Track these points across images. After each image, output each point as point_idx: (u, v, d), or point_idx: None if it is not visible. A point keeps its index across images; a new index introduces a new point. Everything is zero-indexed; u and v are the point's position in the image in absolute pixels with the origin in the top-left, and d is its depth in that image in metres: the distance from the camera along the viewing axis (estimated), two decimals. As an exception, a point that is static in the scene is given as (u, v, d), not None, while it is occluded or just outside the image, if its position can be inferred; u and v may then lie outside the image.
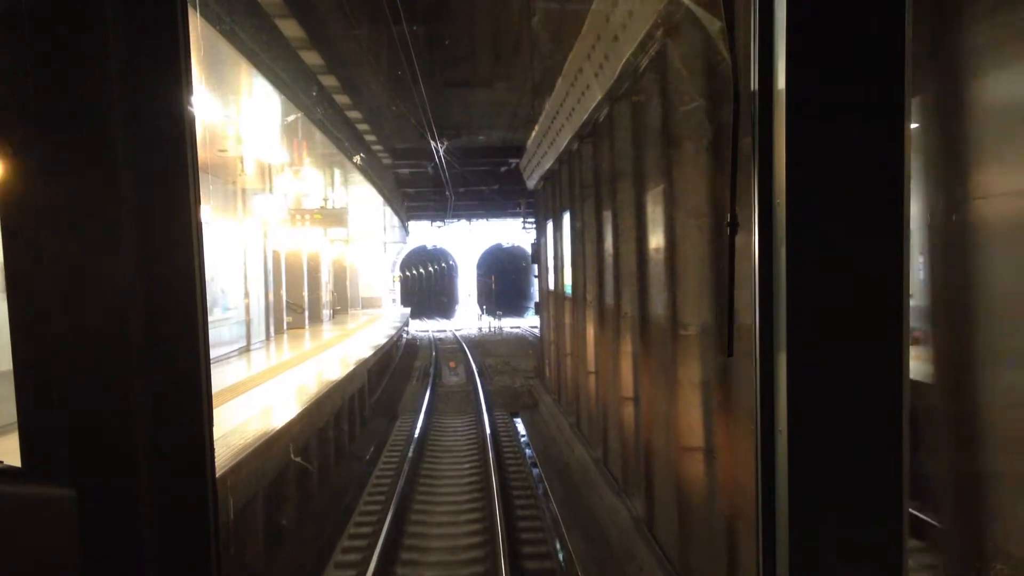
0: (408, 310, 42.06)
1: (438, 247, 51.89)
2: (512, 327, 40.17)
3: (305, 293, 24.17)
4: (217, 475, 1.45)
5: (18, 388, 1.28)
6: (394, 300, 46.30)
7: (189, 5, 1.38)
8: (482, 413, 15.21)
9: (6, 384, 1.34)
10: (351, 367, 13.22)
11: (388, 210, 27.32)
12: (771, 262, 1.42)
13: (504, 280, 51.62)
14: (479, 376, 20.98)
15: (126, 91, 1.30)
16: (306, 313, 23.85)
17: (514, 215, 39.35)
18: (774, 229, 1.41)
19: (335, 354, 15.74)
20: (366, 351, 16.21)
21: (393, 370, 21.45)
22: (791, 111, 1.36)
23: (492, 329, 38.16)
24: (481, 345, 30.67)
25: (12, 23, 1.26)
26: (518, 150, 18.11)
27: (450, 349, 29.89)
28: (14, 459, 1.30)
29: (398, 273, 50.26)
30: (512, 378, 20.71)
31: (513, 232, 50.41)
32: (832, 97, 1.36)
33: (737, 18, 1.62)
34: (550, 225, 15.59)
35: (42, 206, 1.27)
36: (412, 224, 47.75)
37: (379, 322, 29.13)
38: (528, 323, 42.89)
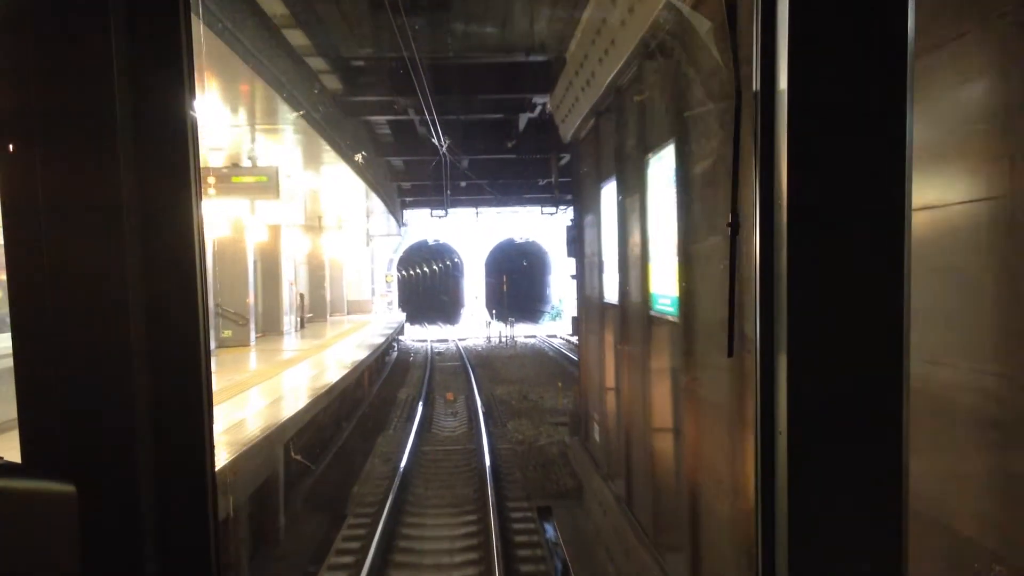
0: (403, 316, 35.68)
1: (440, 242, 45.32)
2: (527, 336, 33.71)
3: (252, 298, 17.80)
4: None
5: (18, 384, 1.29)
6: (390, 304, 39.91)
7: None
8: (490, 513, 8.72)
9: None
10: (251, 443, 6.80)
11: (371, 193, 20.83)
12: (772, 262, 1.42)
13: (516, 281, 44.97)
14: (485, 418, 14.54)
15: (128, 90, 1.31)
16: (251, 325, 17.46)
17: (532, 201, 32.81)
18: (775, 229, 1.40)
19: (246, 407, 9.27)
20: (298, 400, 9.74)
21: (364, 411, 14.99)
22: (793, 112, 1.35)
23: (503, 340, 31.64)
24: (489, 363, 24.18)
25: (13, 22, 1.27)
26: (545, 75, 11.56)
27: (450, 368, 23.42)
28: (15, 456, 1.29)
29: (395, 272, 43.82)
30: (534, 424, 14.21)
31: (527, 225, 43.98)
32: (834, 97, 1.35)
33: (739, 17, 1.60)
34: (608, 189, 9.09)
35: (43, 206, 1.28)
36: (410, 216, 41.56)
37: (361, 333, 22.70)
38: (544, 331, 36.56)
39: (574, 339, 32.58)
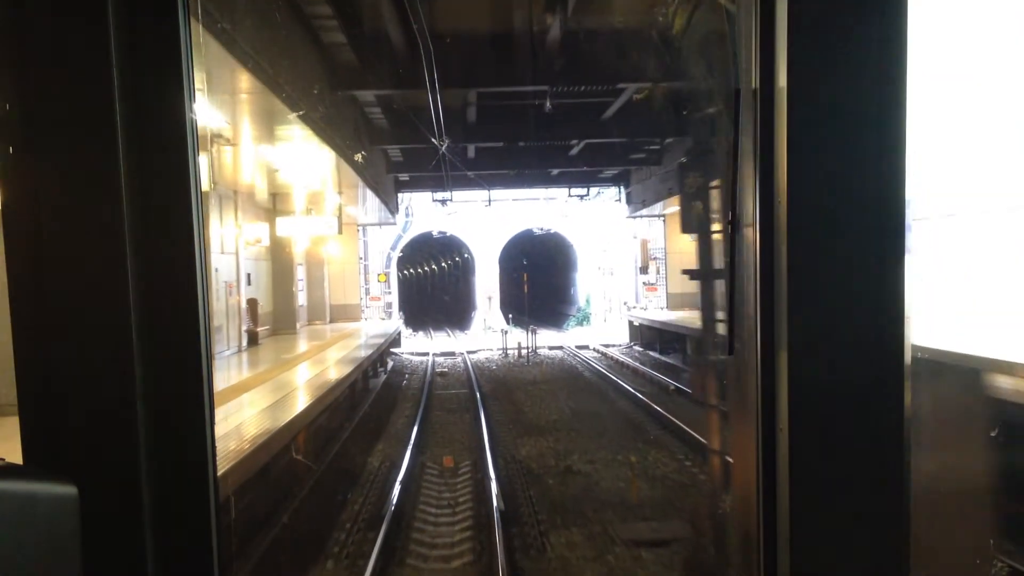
0: (399, 324, 29.34)
1: (447, 235, 38.82)
2: (551, 348, 27.24)
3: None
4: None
5: (20, 385, 1.30)
6: (389, 308, 33.58)
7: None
8: None
9: None
10: None
11: (343, 162, 14.44)
12: (771, 261, 1.42)
13: (537, 280, 38.32)
14: (507, 523, 8.16)
15: (127, 91, 1.30)
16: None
17: (559, 180, 26.35)
18: (775, 228, 1.41)
19: None
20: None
21: (293, 509, 8.56)
22: (792, 110, 1.36)
23: (523, 354, 25.13)
24: (507, 391, 17.74)
25: (14, 23, 1.26)
26: None
27: (454, 401, 17.00)
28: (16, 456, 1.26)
29: (394, 271, 37.44)
30: (596, 545, 7.74)
31: (546, 215, 37.54)
32: (833, 96, 1.35)
33: (739, 16, 1.61)
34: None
35: (44, 206, 1.28)
36: (411, 203, 35.28)
37: (330, 355, 16.36)
38: (571, 339, 30.03)
39: (610, 351, 26.13)
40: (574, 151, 20.50)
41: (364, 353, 16.50)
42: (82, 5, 1.25)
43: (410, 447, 12.09)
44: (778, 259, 1.39)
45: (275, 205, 17.42)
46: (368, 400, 16.20)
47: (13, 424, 1.31)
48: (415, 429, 13.51)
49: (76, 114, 1.26)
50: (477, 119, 16.20)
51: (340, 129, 13.30)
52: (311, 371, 13.57)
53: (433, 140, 15.37)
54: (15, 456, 1.24)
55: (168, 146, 1.31)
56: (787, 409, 1.38)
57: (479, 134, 16.82)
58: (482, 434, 12.79)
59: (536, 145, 18.82)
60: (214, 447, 1.39)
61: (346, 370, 13.56)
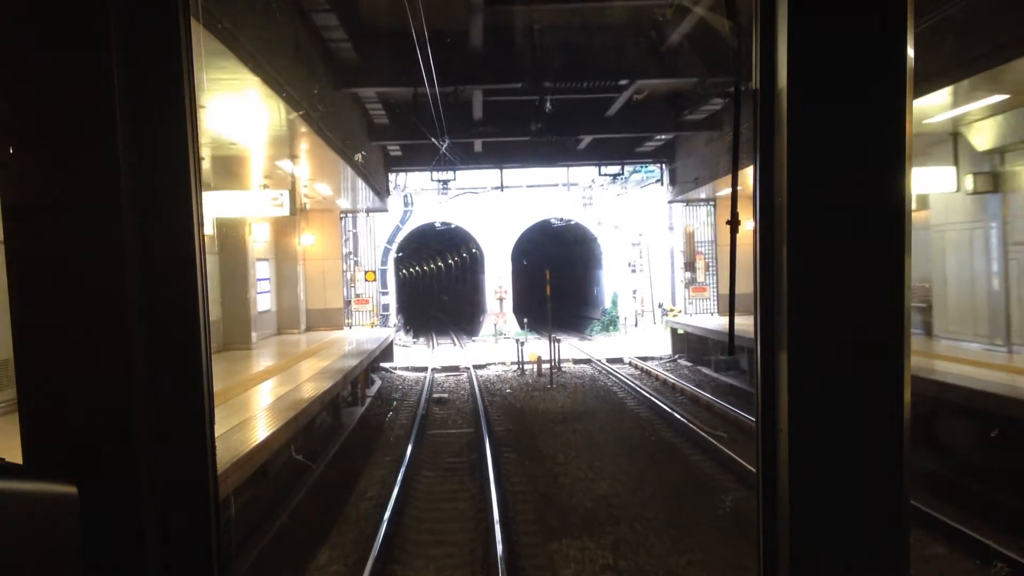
0: (391, 332, 24.45)
1: (452, 226, 33.75)
2: (577, 361, 22.26)
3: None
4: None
5: (20, 385, 1.29)
6: (384, 311, 28.71)
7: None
8: None
9: None
10: None
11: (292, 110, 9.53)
12: (771, 261, 1.42)
13: (557, 278, 33.38)
14: None
15: (127, 91, 1.31)
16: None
17: (589, 155, 21.29)
18: (775, 228, 1.41)
19: None
20: None
21: None
22: (792, 110, 1.35)
23: (544, 371, 20.06)
24: (528, 433, 12.76)
25: (13, 22, 1.27)
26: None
27: (453, 446, 12.04)
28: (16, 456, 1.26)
29: (391, 268, 32.51)
30: None
31: (566, 203, 32.56)
32: (833, 96, 1.35)
33: (740, 16, 1.61)
34: None
35: (44, 207, 1.29)
36: (407, 187, 30.45)
37: (274, 390, 11.52)
38: (600, 350, 24.98)
39: (651, 367, 20.87)
40: (614, 108, 15.50)
41: (328, 384, 11.55)
42: (82, 4, 1.26)
43: (372, 560, 7.14)
44: (778, 259, 1.39)
45: (194, 175, 12.57)
46: (331, 451, 11.32)
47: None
48: (388, 512, 8.55)
49: (76, 114, 1.26)
50: (484, 46, 11.22)
51: (268, 43, 8.34)
52: (231, 422, 8.62)
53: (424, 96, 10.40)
54: (15, 456, 1.24)
55: (168, 146, 1.32)
56: (787, 409, 1.38)
57: (487, 72, 11.87)
58: (493, 529, 7.83)
59: (565, 98, 13.77)
60: (214, 447, 1.38)
61: (284, 418, 8.59)
